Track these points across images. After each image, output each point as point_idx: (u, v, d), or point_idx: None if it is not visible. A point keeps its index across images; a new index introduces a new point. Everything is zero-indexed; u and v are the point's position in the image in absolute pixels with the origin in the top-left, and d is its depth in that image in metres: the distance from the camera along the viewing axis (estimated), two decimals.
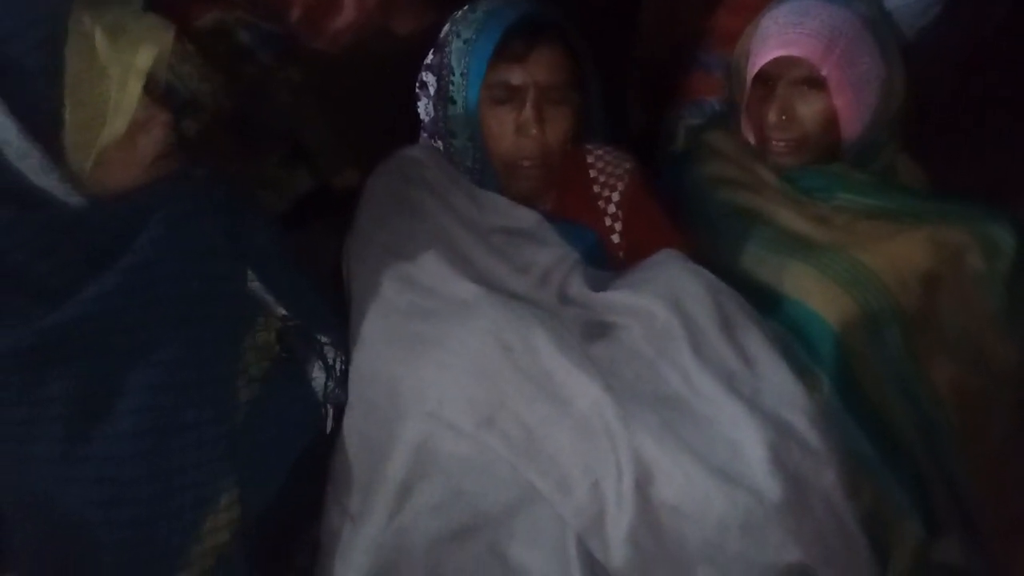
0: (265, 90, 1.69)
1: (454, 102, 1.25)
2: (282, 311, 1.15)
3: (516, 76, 1.23)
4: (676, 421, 1.07)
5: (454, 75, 1.25)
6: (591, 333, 1.16)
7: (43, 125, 0.99)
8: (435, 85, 1.28)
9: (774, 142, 1.37)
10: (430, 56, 1.29)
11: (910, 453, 1.28)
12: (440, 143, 1.31)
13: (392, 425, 1.06)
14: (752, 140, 1.42)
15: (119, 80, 1.02)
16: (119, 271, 1.04)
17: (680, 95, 1.74)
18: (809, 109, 1.33)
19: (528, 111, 1.23)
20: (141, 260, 1.05)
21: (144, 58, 1.03)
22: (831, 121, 1.34)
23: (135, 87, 1.03)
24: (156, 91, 1.08)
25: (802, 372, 1.19)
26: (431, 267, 1.16)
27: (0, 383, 1.02)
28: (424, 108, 1.31)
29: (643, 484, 1.03)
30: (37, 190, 1.02)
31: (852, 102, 1.32)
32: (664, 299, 1.16)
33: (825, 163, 1.38)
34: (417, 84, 1.31)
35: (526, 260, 1.23)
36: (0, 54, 0.98)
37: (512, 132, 1.24)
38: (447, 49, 1.26)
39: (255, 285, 1.14)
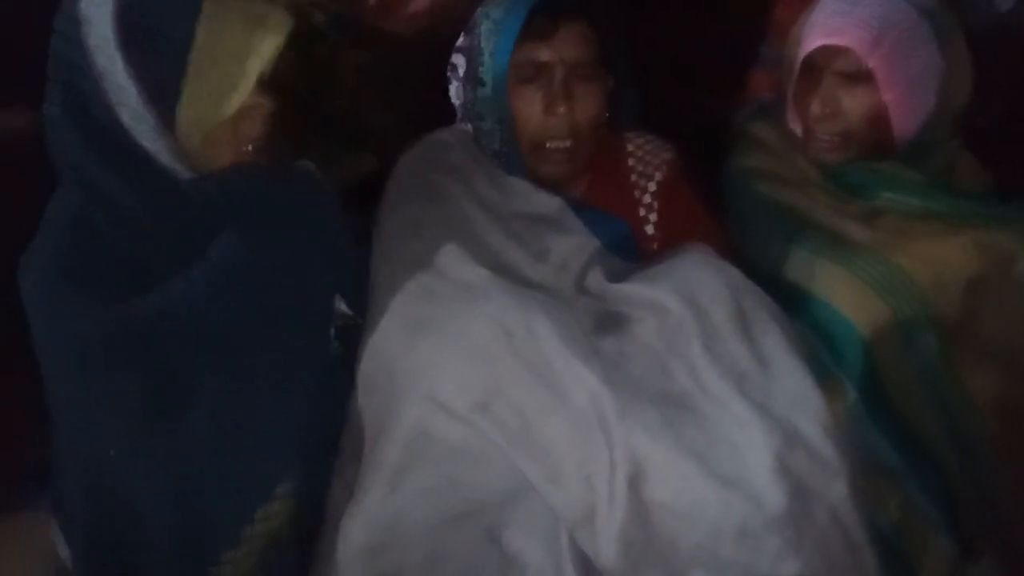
0: (333, 71, 1.72)
1: (483, 84, 1.25)
2: (344, 308, 1.15)
3: (543, 53, 1.21)
4: (677, 419, 1.05)
5: (483, 56, 1.24)
6: (603, 324, 1.14)
7: (164, 93, 1.02)
8: (464, 67, 1.27)
9: (818, 135, 1.31)
10: (461, 38, 1.29)
11: (943, 467, 1.22)
12: (470, 126, 1.30)
13: (390, 405, 1.07)
14: (798, 132, 1.36)
15: (242, 63, 1.04)
16: (207, 272, 1.05)
17: (742, 94, 1.67)
18: (855, 103, 1.26)
19: (556, 88, 1.21)
20: (230, 266, 1.05)
21: (269, 46, 1.05)
22: (880, 117, 1.27)
23: (254, 72, 1.05)
24: (263, 80, 1.09)
25: (825, 377, 1.15)
26: (444, 249, 1.16)
27: (81, 362, 1.05)
28: (455, 91, 1.31)
29: (636, 481, 1.01)
30: (146, 153, 1.03)
31: (904, 98, 1.25)
32: (678, 293, 1.13)
33: (875, 160, 1.32)
34: (448, 68, 1.31)
35: (545, 247, 1.21)
36: (136, 18, 1.01)
37: (540, 111, 1.23)
38: (477, 31, 1.25)
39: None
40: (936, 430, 1.21)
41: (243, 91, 1.04)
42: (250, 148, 1.10)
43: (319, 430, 1.10)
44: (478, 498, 1.06)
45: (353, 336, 1.14)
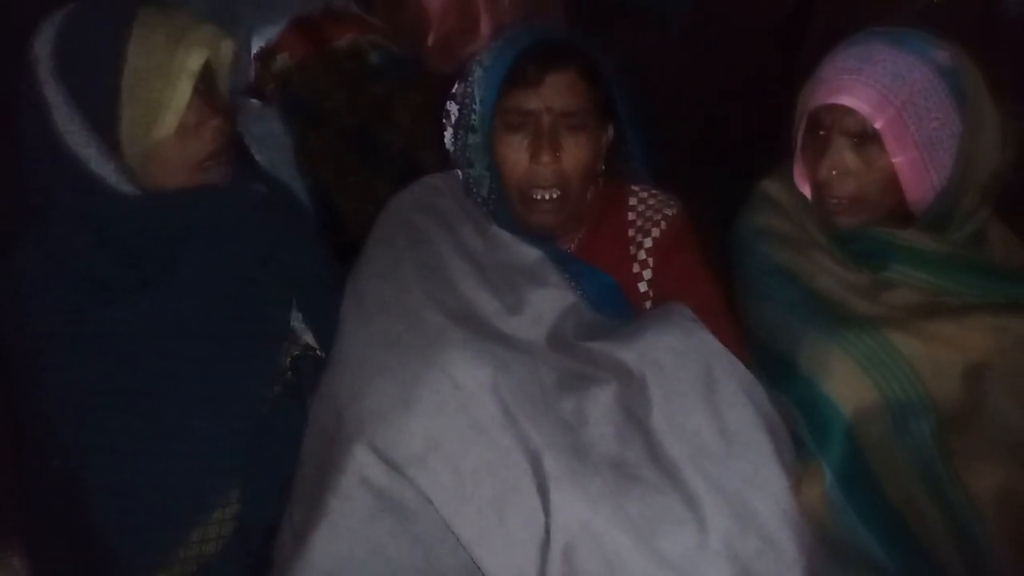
0: (387, 110, 1.75)
1: (474, 130, 1.23)
2: (308, 340, 1.16)
3: (530, 101, 1.19)
4: (624, 489, 0.99)
5: (475, 103, 1.23)
6: (566, 383, 1.09)
7: (102, 117, 1.06)
8: (456, 114, 1.26)
9: (826, 198, 1.23)
10: (456, 85, 1.28)
11: (941, 566, 1.10)
12: (461, 173, 1.29)
13: (334, 453, 1.05)
14: (805, 192, 1.28)
15: (171, 80, 1.07)
16: (152, 289, 1.08)
17: None
18: (864, 166, 1.18)
19: (542, 137, 1.19)
20: (177, 281, 1.08)
21: (195, 60, 1.08)
22: (893, 181, 1.18)
23: (185, 88, 1.08)
24: (212, 95, 1.12)
25: (800, 458, 1.06)
26: (411, 295, 1.14)
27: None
28: (448, 138, 1.30)
29: (571, 551, 0.96)
30: (95, 177, 1.08)
31: (916, 162, 1.16)
32: (644, 356, 1.08)
33: (896, 225, 1.22)
34: (443, 114, 1.30)
35: (521, 299, 1.18)
36: (71, 45, 1.06)
37: (526, 160, 1.20)
38: (470, 78, 1.24)
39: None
40: (935, 527, 1.09)
41: (176, 109, 1.07)
42: (206, 166, 1.12)
43: (263, 455, 1.09)
44: (426, 555, 1.03)
45: (310, 368, 1.14)
